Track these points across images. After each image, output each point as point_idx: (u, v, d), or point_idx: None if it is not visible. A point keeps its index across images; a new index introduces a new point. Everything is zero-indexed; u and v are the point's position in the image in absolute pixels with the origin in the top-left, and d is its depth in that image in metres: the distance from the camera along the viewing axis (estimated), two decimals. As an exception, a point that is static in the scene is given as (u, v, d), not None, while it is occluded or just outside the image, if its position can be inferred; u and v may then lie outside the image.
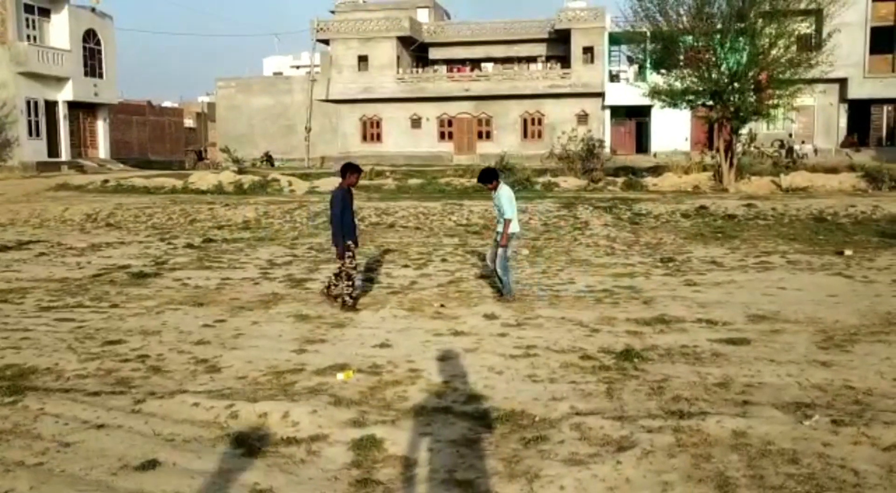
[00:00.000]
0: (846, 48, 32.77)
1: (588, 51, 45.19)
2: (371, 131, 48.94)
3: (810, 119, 41.91)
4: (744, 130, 25.67)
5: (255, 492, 4.19)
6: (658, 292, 9.61)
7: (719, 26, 23.23)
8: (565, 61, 46.47)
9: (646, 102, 28.33)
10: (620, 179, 25.63)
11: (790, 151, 32.14)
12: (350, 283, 8.76)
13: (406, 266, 12.01)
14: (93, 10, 40.81)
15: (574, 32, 45.31)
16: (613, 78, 45.53)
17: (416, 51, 50.54)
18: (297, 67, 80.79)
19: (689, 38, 23.90)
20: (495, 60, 49.98)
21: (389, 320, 8.22)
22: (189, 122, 64.80)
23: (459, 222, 18.05)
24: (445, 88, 47.13)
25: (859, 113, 42.41)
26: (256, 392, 5.80)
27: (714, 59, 23.39)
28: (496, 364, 6.45)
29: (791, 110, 26.50)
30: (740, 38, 23.26)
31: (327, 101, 48.16)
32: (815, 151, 39.14)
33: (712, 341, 7.10)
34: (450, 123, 47.84)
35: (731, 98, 23.59)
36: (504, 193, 9.26)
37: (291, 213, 19.99)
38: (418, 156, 44.44)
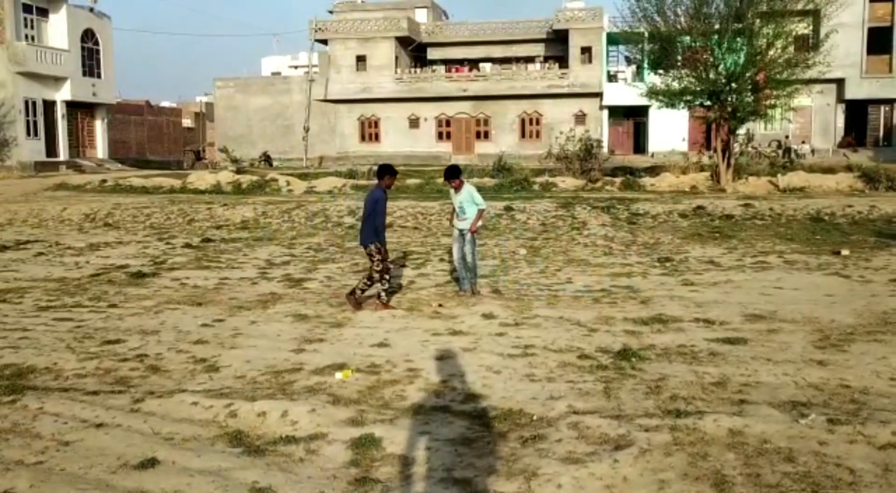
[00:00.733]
0: (843, 49, 32.88)
1: (586, 51, 45.22)
2: (369, 131, 48.96)
3: (807, 119, 41.97)
4: (741, 131, 25.75)
5: (254, 491, 4.20)
6: (655, 291, 9.64)
7: (717, 27, 23.28)
8: (563, 61, 46.50)
9: (644, 102, 28.39)
10: (618, 179, 25.66)
11: (787, 151, 32.22)
12: (388, 279, 8.88)
13: (404, 266, 12.03)
14: (91, 9, 40.78)
15: (572, 33, 45.35)
16: (611, 78, 45.58)
17: (415, 51, 50.56)
18: (296, 67, 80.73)
19: (687, 39, 23.93)
20: (493, 61, 50.01)
21: (388, 320, 8.24)
22: (187, 122, 64.72)
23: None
24: (444, 88, 47.16)
25: (856, 113, 42.47)
26: (255, 391, 5.82)
27: (712, 59, 23.43)
28: (494, 363, 6.47)
29: (788, 111, 26.53)
30: (738, 39, 23.30)
31: (326, 101, 48.17)
32: (813, 151, 39.22)
33: (709, 340, 7.12)
34: (448, 123, 47.86)
35: (729, 98, 23.65)
36: (470, 190, 9.39)
37: (290, 213, 20.00)
38: (416, 156, 44.44)
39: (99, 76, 41.02)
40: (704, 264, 11.95)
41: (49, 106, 37.85)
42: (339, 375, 6.16)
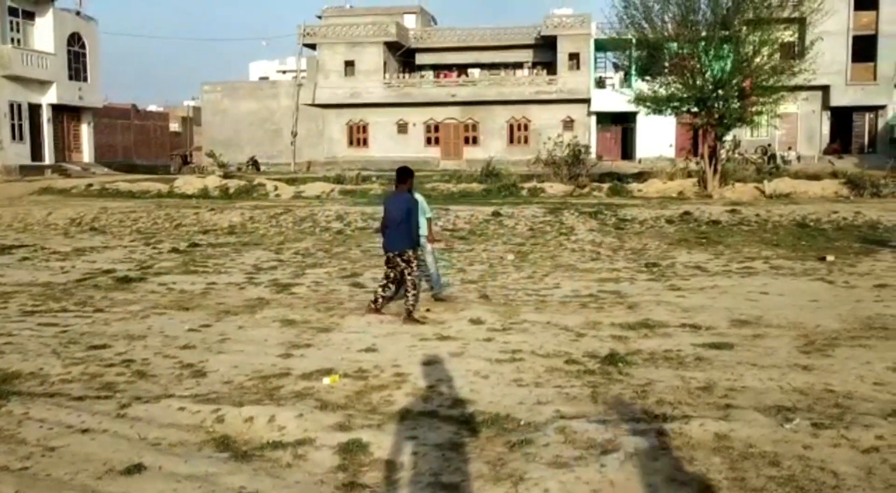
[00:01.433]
0: (828, 56, 33.15)
1: (574, 57, 45.41)
2: (357, 136, 48.93)
3: (793, 126, 42.28)
4: (728, 137, 25.91)
5: (241, 496, 4.19)
6: (643, 297, 9.68)
7: (704, 34, 23.46)
8: (552, 67, 46.66)
9: (631, 108, 28.55)
10: (606, 185, 25.77)
11: (773, 157, 32.47)
12: (415, 292, 8.46)
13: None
14: (78, 13, 40.57)
15: (560, 39, 45.53)
16: (599, 84, 45.77)
17: (403, 56, 50.58)
18: (284, 72, 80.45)
19: (674, 45, 24.10)
20: (482, 66, 50.09)
21: (375, 325, 8.23)
22: (174, 126, 64.46)
23: (446, 227, 18.08)
24: (432, 94, 47.21)
25: (841, 120, 42.84)
26: (242, 397, 5.80)
27: (699, 66, 23.60)
28: (482, 369, 6.48)
29: (774, 117, 26.74)
30: (725, 46, 23.50)
31: (314, 105, 48.11)
32: (798, 157, 39.52)
33: (696, 345, 7.16)
34: (436, 129, 47.89)
35: (716, 105, 23.82)
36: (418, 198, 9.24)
37: (277, 218, 19.95)
38: (405, 161, 44.02)
39: (85, 80, 40.79)
40: (691, 269, 12.01)
41: (35, 109, 37.58)
42: (326, 380, 6.16)
